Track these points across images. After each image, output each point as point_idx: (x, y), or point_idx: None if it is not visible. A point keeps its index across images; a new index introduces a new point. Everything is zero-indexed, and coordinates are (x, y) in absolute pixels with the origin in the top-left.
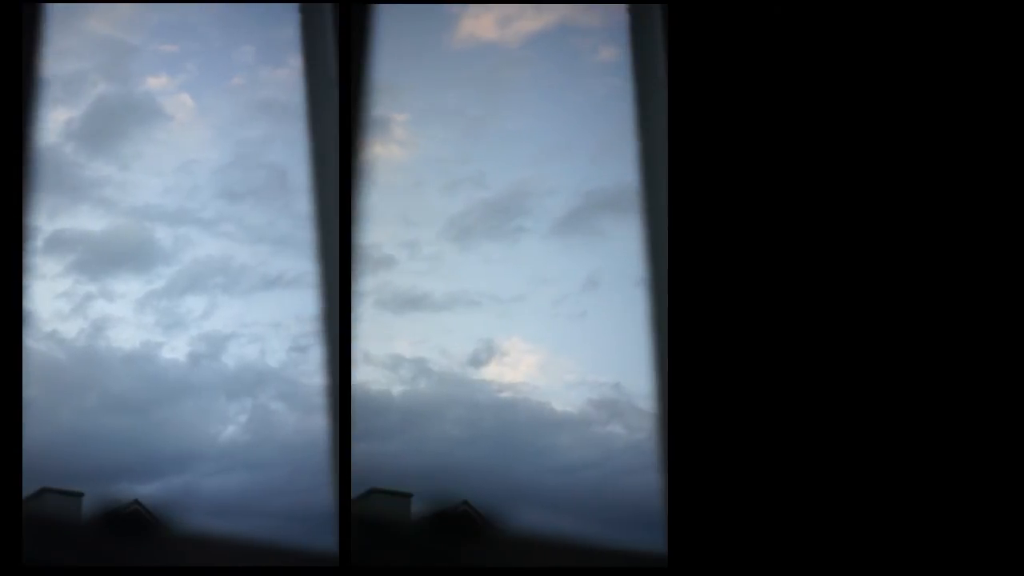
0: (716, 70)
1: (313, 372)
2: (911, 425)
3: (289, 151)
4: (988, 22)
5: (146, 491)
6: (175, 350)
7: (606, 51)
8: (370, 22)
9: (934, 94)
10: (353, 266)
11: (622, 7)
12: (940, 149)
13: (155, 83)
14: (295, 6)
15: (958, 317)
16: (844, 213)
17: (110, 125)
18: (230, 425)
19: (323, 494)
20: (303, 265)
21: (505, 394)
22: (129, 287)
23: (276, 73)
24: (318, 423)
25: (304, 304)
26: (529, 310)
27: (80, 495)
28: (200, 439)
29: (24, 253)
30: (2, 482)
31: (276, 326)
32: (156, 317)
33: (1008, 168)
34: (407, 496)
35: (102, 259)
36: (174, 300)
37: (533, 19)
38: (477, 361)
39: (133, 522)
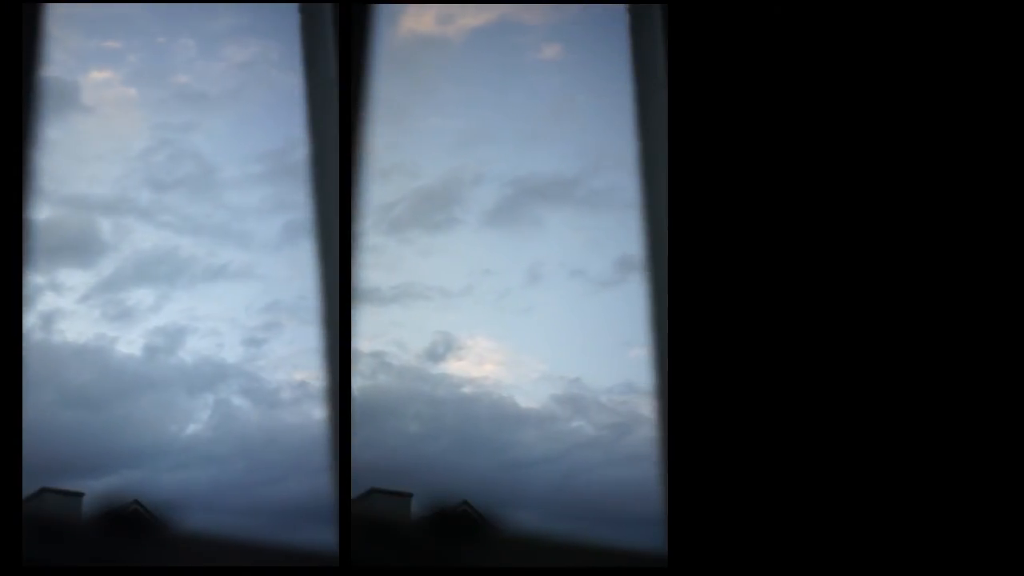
0: (716, 70)
1: (274, 367)
2: (912, 424)
3: (218, 143)
4: (988, 22)
5: (101, 486)
6: (131, 344)
7: (549, 49)
8: (370, 22)
9: (934, 94)
10: (353, 265)
11: (622, 7)
12: (940, 149)
13: (97, 76)
14: (295, 6)
15: (959, 314)
16: (844, 212)
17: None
18: (192, 421)
19: (297, 488)
20: (246, 256)
21: (466, 389)
22: (77, 279)
23: (211, 66)
24: (283, 419)
25: (253, 296)
26: (480, 303)
27: (80, 495)
28: (165, 435)
29: (24, 252)
30: (2, 482)
31: (229, 319)
32: (108, 310)
33: (1008, 168)
34: (407, 496)
35: (47, 250)
36: (124, 292)
37: (474, 16)
38: (435, 355)
39: (133, 522)
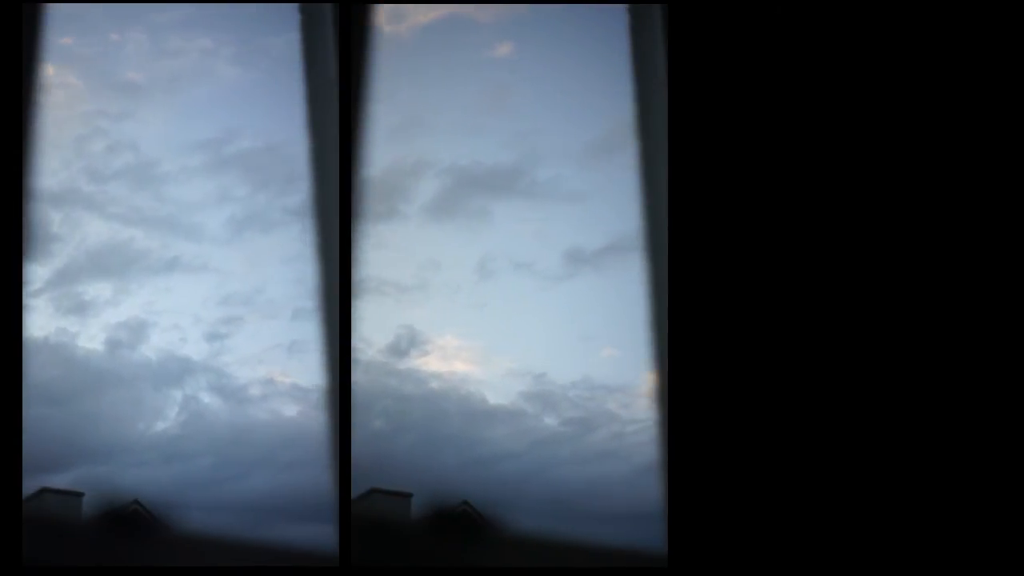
0: (716, 70)
1: (239, 363)
2: (912, 424)
3: (159, 134)
4: (988, 22)
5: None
6: (92, 339)
7: (502, 47)
8: (370, 22)
9: (934, 94)
10: (353, 266)
11: (622, 7)
12: (940, 149)
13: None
14: (295, 6)
15: (959, 313)
16: (844, 212)
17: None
18: (161, 418)
19: (272, 484)
20: (197, 249)
21: (434, 384)
22: (30, 273)
23: (155, 60)
24: (253, 416)
25: (209, 289)
26: (435, 298)
27: (80, 495)
28: (134, 430)
29: (24, 251)
30: (2, 482)
31: (189, 314)
32: (63, 303)
33: (1008, 168)
34: (407, 496)
35: None
36: (80, 286)
37: (425, 14)
38: (399, 351)
39: (133, 522)
